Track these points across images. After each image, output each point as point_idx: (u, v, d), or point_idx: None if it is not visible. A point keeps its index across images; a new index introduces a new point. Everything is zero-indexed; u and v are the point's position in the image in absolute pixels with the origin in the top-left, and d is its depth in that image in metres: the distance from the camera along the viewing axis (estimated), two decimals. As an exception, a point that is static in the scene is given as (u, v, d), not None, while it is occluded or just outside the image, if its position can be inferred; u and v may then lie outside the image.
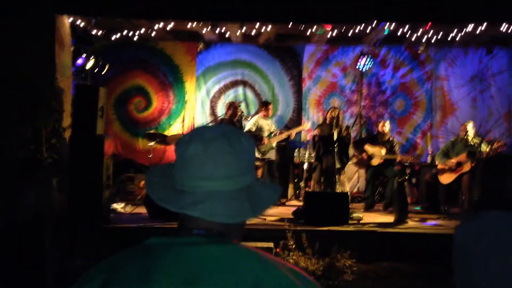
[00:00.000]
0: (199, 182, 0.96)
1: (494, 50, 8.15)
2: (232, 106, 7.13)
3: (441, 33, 7.33)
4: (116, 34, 7.57)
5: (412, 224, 5.91)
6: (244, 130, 7.19)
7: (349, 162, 7.50)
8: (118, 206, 6.47)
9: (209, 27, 7.36)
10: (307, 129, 8.09)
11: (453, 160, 6.61)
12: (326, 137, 6.84)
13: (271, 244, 4.70)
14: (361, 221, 5.92)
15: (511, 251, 1.65)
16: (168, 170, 1.03)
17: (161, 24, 7.09)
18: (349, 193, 6.37)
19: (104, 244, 4.75)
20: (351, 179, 8.06)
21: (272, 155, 7.30)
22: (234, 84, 8.65)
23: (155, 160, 7.61)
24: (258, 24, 7.02)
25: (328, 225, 5.53)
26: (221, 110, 8.38)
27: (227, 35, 7.85)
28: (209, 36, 8.02)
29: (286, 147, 7.77)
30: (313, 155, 7.22)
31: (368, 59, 7.82)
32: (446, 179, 6.65)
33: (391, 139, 7.17)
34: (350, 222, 5.77)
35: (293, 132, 7.42)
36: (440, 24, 6.80)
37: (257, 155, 6.89)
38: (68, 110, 5.98)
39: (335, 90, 8.64)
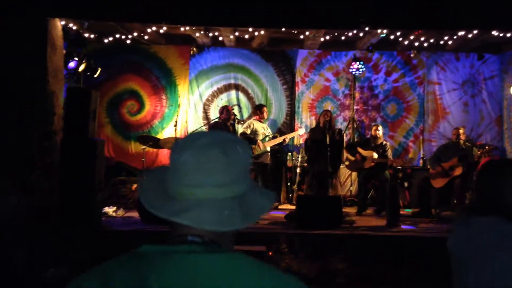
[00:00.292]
0: (190, 190, 0.95)
1: (485, 56, 8.24)
2: (226, 110, 7.12)
3: (432, 38, 7.41)
4: (109, 37, 7.56)
5: (404, 228, 5.93)
6: (239, 133, 7.19)
7: (342, 166, 7.51)
8: (110, 210, 6.42)
9: (202, 31, 7.37)
10: (301, 134, 8.09)
11: (445, 165, 6.64)
12: (318, 141, 6.84)
13: (263, 248, 4.69)
14: (353, 225, 5.93)
15: (500, 258, 1.65)
16: (162, 175, 1.02)
17: (154, 28, 7.09)
18: (341, 197, 6.38)
19: (96, 248, 4.71)
20: (344, 182, 8.08)
21: (265, 158, 7.30)
22: (227, 87, 8.66)
23: (147, 163, 7.58)
24: (251, 28, 7.05)
25: (320, 229, 5.53)
26: (214, 114, 8.38)
27: (220, 39, 7.87)
28: (202, 40, 8.03)
29: (279, 151, 7.77)
30: (306, 158, 7.20)
31: (361, 64, 7.87)
32: (438, 183, 6.68)
33: (384, 143, 7.19)
34: (342, 225, 5.78)
35: (288, 137, 7.42)
36: (432, 31, 6.86)
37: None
38: (60, 113, 5.94)
39: (328, 94, 8.68)
